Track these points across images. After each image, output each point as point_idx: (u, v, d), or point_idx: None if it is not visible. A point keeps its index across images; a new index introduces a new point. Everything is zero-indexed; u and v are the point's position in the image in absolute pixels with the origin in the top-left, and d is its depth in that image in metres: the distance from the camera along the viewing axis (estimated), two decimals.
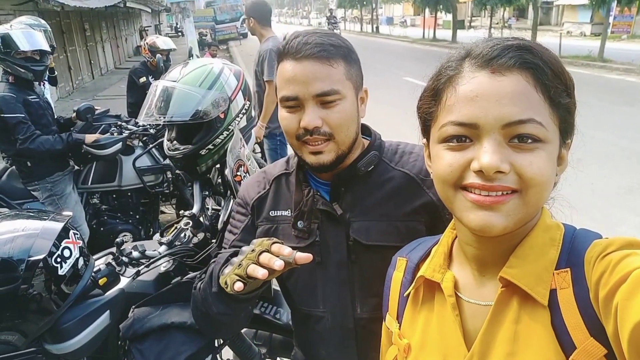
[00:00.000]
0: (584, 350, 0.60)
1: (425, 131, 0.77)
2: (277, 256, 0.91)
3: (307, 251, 1.13)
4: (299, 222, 1.14)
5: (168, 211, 5.02)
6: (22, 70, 3.18)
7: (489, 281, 0.74)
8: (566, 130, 0.68)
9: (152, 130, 4.11)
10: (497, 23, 24.29)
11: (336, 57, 1.03)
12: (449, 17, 26.92)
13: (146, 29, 23.57)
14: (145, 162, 4.01)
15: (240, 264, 0.95)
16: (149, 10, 24.56)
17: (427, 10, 26.43)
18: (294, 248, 1.14)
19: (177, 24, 28.78)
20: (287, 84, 1.02)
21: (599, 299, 0.59)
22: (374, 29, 37.34)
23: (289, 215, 1.17)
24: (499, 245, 0.71)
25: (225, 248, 1.26)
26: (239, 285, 0.93)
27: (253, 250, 0.95)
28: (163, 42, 5.81)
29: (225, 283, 0.96)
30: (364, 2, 36.53)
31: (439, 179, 0.71)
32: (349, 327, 1.15)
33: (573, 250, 0.67)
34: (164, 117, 1.79)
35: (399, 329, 0.85)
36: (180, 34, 25.57)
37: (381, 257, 1.06)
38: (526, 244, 0.69)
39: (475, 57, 0.67)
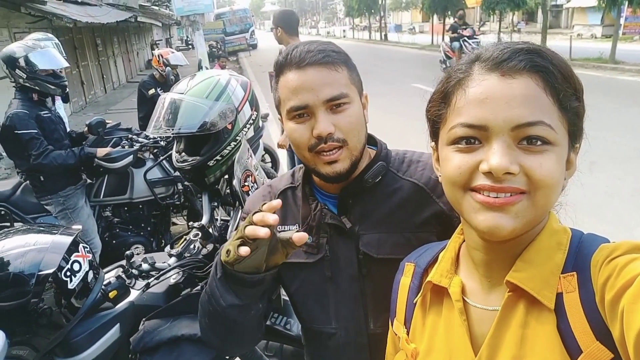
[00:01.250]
0: (590, 354, 0.60)
1: (434, 134, 0.78)
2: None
3: (317, 266, 1.12)
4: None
5: (179, 222, 5.04)
6: (52, 87, 3.29)
7: (496, 286, 0.74)
8: (575, 134, 0.68)
9: (162, 143, 4.15)
10: (507, 27, 24.21)
11: (339, 62, 1.02)
12: None
13: (157, 42, 23.94)
14: (156, 174, 4.05)
15: (236, 230, 0.93)
16: (160, 24, 24.94)
17: (435, 16, 26.41)
18: (303, 264, 1.14)
19: (187, 37, 29.16)
20: (294, 94, 1.00)
21: (604, 302, 0.59)
22: (383, 37, 37.44)
23: (296, 230, 1.14)
24: (506, 249, 0.71)
25: None
26: (244, 250, 0.89)
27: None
28: (175, 57, 5.91)
29: (227, 253, 0.93)
30: (372, 10, 36.67)
31: (447, 181, 0.71)
32: (363, 343, 1.13)
33: (580, 254, 0.67)
34: (172, 129, 1.80)
35: (407, 334, 0.85)
36: (190, 46, 25.90)
37: (393, 270, 1.03)
38: (533, 248, 0.69)
39: (485, 61, 0.68)
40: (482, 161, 0.65)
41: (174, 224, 4.93)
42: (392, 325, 0.93)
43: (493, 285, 0.74)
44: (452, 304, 0.76)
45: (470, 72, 0.69)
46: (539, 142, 0.63)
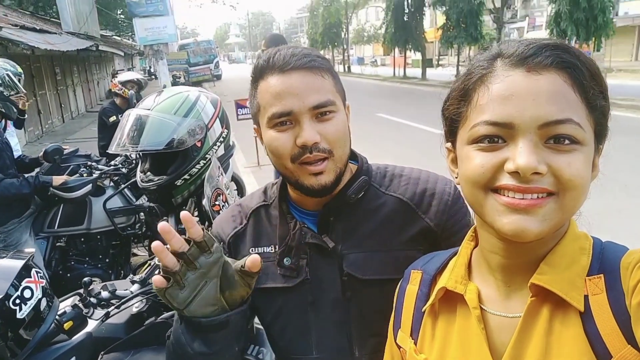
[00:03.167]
0: (621, 358, 0.57)
1: (451, 134, 0.74)
2: None
3: (297, 291, 1.03)
4: (285, 259, 1.03)
5: (140, 253, 4.82)
6: (15, 111, 3.17)
7: (516, 292, 0.70)
8: (601, 134, 0.66)
9: (124, 170, 3.99)
10: (464, 61, 25.23)
11: (324, 68, 0.97)
12: (418, 55, 27.89)
13: (119, 72, 23.60)
14: (116, 203, 3.85)
15: None
16: (122, 54, 24.66)
17: (396, 49, 27.29)
18: (281, 288, 1.04)
19: (150, 67, 28.93)
20: (276, 100, 0.93)
21: (632, 304, 0.57)
22: (346, 69, 38.30)
23: (273, 251, 1.06)
24: (528, 253, 0.67)
25: None
26: (158, 280, 0.78)
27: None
28: (124, 75, 5.95)
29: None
30: (335, 43, 37.58)
31: (468, 181, 0.67)
32: None
33: (604, 258, 0.65)
34: (137, 147, 1.70)
35: (415, 345, 0.79)
36: (153, 76, 25.68)
37: (380, 292, 0.98)
38: (557, 252, 0.66)
39: (509, 56, 0.65)
40: (508, 160, 0.61)
41: (134, 254, 4.71)
42: (395, 338, 0.86)
43: (512, 291, 0.70)
44: (467, 311, 0.71)
45: (493, 68, 0.66)
46: (566, 141, 0.60)
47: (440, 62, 38.69)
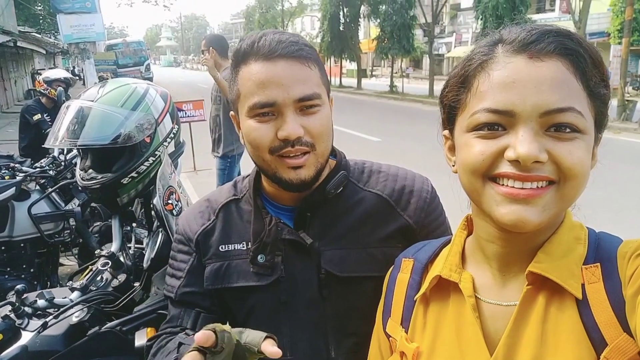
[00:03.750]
0: (616, 347, 0.57)
1: (449, 121, 0.72)
2: None
3: (271, 290, 0.99)
4: (259, 257, 0.98)
5: (68, 262, 4.48)
6: None
7: (511, 281, 0.69)
8: (601, 123, 0.66)
9: (51, 172, 3.72)
10: (396, 72, 26.13)
11: (311, 58, 0.93)
12: (353, 65, 28.54)
13: (39, 71, 22.10)
14: (43, 208, 3.56)
15: None
16: (44, 52, 23.11)
17: (332, 59, 27.72)
18: (253, 287, 1.00)
19: (74, 67, 27.30)
20: (259, 89, 0.88)
21: (627, 293, 0.58)
22: None
23: (245, 248, 1.01)
24: (525, 242, 0.67)
25: (171, 297, 1.06)
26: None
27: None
28: (52, 72, 5.60)
29: None
30: None
31: (466, 168, 0.66)
32: None
33: (600, 247, 0.66)
34: (77, 141, 1.55)
35: (406, 334, 0.78)
36: (77, 77, 24.27)
37: (357, 290, 0.96)
38: (554, 241, 0.66)
39: (511, 42, 0.64)
40: (508, 148, 0.61)
41: (62, 264, 4.37)
42: (384, 326, 0.84)
43: (508, 280, 0.70)
44: (461, 300, 0.70)
45: (494, 54, 0.65)
46: (568, 130, 0.60)
47: (374, 73, 39.83)
